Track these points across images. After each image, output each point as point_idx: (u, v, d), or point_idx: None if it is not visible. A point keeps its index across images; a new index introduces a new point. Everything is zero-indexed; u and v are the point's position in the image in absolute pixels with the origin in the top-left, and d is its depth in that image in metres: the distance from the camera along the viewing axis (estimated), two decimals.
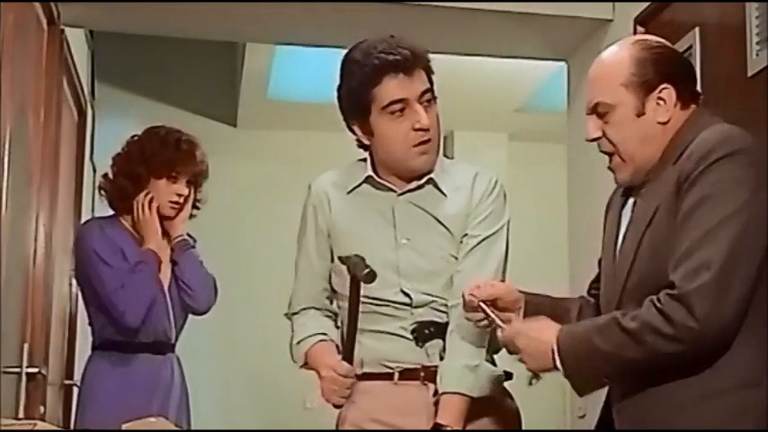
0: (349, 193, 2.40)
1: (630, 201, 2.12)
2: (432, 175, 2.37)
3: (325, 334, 2.42)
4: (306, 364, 2.43)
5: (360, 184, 2.38)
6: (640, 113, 2.03)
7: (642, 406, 1.96)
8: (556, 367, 1.99)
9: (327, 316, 2.47)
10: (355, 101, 2.33)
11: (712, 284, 1.82)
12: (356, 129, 2.37)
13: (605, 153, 2.10)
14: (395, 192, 2.36)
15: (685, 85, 2.06)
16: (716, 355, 1.86)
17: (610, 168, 2.11)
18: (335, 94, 2.40)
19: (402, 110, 2.30)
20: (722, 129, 1.99)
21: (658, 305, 1.86)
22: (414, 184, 2.36)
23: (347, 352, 2.29)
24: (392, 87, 2.29)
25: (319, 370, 2.35)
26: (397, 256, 2.32)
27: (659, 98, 2.03)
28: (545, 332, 2.01)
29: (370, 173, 2.38)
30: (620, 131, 2.04)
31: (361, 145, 2.41)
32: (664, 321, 1.84)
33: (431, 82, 2.35)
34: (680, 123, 2.03)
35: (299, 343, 2.43)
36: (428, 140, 2.33)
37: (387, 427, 2.31)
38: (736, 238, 1.84)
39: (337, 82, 2.40)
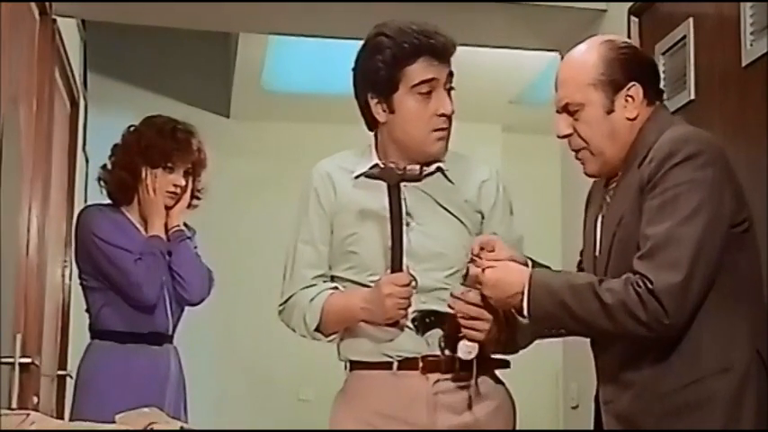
0: (357, 177, 2.39)
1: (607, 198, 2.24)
2: (439, 163, 2.39)
3: (336, 288, 2.38)
4: (319, 327, 2.36)
5: (367, 171, 2.36)
6: (610, 111, 2.16)
7: (626, 399, 2.09)
8: (520, 308, 2.12)
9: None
10: (383, 76, 2.32)
11: (680, 285, 1.98)
12: (373, 104, 2.36)
13: (574, 149, 2.22)
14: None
15: (650, 83, 2.19)
16: (685, 345, 2.03)
17: (578, 159, 2.23)
18: (353, 67, 2.39)
19: (429, 92, 2.32)
20: (680, 131, 2.12)
21: (637, 289, 1.99)
22: (423, 171, 2.35)
23: (397, 265, 2.26)
24: (427, 67, 2.32)
25: (359, 304, 2.30)
26: (407, 237, 2.30)
27: (628, 96, 2.15)
28: (515, 274, 2.15)
29: (376, 161, 2.38)
30: (591, 128, 2.17)
31: (370, 124, 2.40)
32: (640, 307, 1.99)
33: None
34: (644, 119, 2.16)
35: (312, 300, 2.36)
36: (447, 128, 2.35)
37: (386, 419, 2.30)
38: (698, 239, 1.99)
39: (355, 58, 2.39)
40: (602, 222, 2.22)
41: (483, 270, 2.18)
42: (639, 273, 2.00)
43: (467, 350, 2.26)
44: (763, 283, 2.14)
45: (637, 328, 1.99)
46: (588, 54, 2.19)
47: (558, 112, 2.22)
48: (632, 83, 2.15)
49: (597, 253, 2.20)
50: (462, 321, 2.24)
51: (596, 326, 2.04)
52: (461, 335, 2.27)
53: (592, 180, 2.34)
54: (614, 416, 2.13)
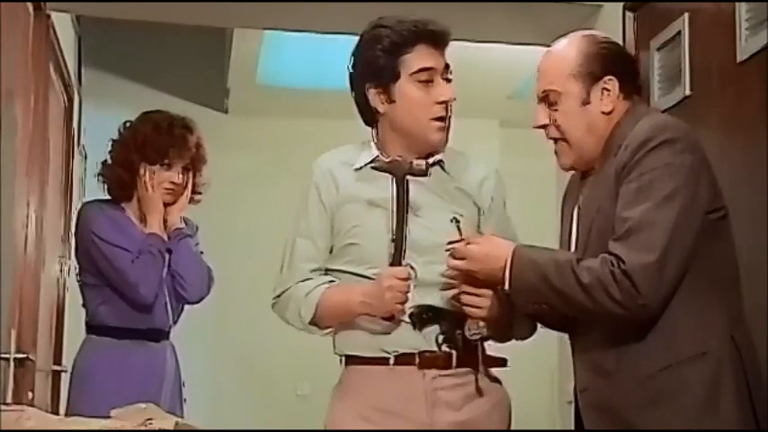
0: (358, 170, 2.40)
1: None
2: (439, 156, 2.39)
3: (333, 281, 2.38)
4: (314, 319, 2.36)
5: (369, 163, 2.37)
6: (585, 102, 2.20)
7: (603, 385, 2.11)
8: (502, 281, 2.15)
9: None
10: (383, 65, 2.34)
11: (653, 266, 2.00)
12: (372, 95, 2.37)
13: (552, 139, 2.26)
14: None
15: (627, 77, 2.22)
16: (661, 330, 2.05)
17: (555, 152, 2.27)
18: (349, 61, 2.40)
19: (429, 80, 2.34)
20: (656, 119, 2.16)
21: (611, 268, 2.02)
22: (429, 165, 2.35)
23: (397, 258, 2.26)
24: (425, 55, 2.34)
25: (359, 297, 2.29)
26: (409, 229, 2.29)
27: (604, 88, 2.19)
28: (501, 248, 2.18)
29: (377, 153, 2.38)
30: (567, 119, 2.21)
31: (367, 117, 2.41)
32: (614, 285, 2.02)
33: None
34: (621, 113, 2.19)
35: (308, 294, 2.36)
36: (447, 117, 2.36)
37: (384, 415, 2.29)
38: (673, 222, 2.02)
39: (350, 54, 2.40)
40: (578, 214, 2.25)
41: (467, 243, 2.20)
42: (614, 253, 2.03)
43: (473, 330, 2.26)
44: (738, 272, 2.16)
45: (611, 306, 2.02)
46: (569, 47, 2.24)
47: (538, 102, 2.26)
48: (609, 76, 2.19)
49: (574, 243, 2.23)
50: (463, 298, 2.25)
51: (575, 301, 2.07)
52: (465, 317, 2.26)
53: None
54: (590, 404, 2.14)
